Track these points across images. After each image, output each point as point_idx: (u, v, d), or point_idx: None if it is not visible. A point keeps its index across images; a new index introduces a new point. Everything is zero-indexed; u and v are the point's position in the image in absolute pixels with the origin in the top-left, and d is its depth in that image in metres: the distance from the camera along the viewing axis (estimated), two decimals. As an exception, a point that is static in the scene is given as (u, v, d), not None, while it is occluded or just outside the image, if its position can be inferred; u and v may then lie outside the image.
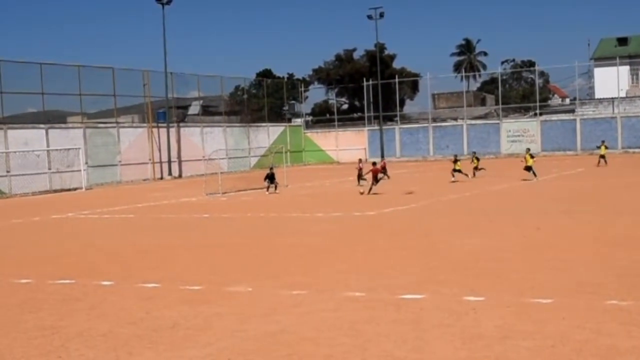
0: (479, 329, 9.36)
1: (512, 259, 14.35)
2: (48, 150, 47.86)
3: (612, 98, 66.92)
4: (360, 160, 38.67)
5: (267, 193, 34.92)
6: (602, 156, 46.55)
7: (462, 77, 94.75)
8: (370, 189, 31.90)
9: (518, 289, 11.53)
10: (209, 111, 71.25)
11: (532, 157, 36.36)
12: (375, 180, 32.55)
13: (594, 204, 24.43)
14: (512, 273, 12.87)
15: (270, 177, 35.65)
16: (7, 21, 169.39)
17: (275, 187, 35.74)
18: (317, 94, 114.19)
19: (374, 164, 34.24)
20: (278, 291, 12.23)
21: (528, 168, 35.55)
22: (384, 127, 72.84)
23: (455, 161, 37.37)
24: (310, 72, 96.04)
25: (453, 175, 37.40)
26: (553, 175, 39.50)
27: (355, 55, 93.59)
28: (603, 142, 49.70)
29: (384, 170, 39.39)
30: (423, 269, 13.66)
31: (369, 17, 70.99)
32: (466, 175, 36.92)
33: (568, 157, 59.48)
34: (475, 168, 39.26)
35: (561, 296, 10.89)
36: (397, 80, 74.40)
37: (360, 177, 36.26)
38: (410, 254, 15.67)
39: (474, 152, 44.43)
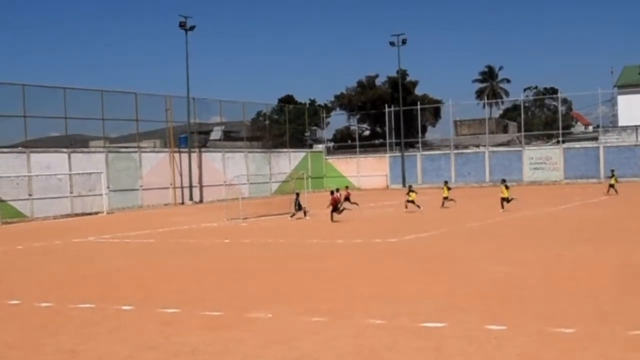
0: (501, 358, 9.25)
1: (534, 286, 14.21)
2: (70, 174, 48.22)
3: (636, 126, 66.45)
4: (338, 190, 36.93)
5: (290, 218, 34.91)
6: (612, 185, 46.27)
7: (484, 104, 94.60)
8: (332, 216, 32.28)
9: (540, 317, 11.40)
10: (230, 136, 71.58)
11: (507, 187, 35.83)
12: (336, 208, 32.65)
13: (616, 232, 24.18)
14: (534, 301, 12.74)
15: (296, 203, 35.74)
16: (31, 46, 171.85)
17: (305, 213, 35.69)
18: (338, 120, 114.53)
19: (332, 192, 34.36)
20: (298, 317, 12.17)
21: (505, 199, 35.10)
22: (406, 154, 72.72)
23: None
24: (332, 98, 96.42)
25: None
26: (576, 203, 39.21)
27: (377, 82, 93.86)
28: (612, 171, 49.46)
29: (347, 199, 39.31)
30: (444, 296, 13.55)
31: (392, 43, 71.17)
32: (418, 206, 36.06)
33: (591, 185, 59.03)
34: (445, 198, 38.73)
35: (584, 325, 10.75)
36: (419, 106, 74.39)
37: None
38: (431, 281, 15.57)
39: (446, 182, 43.49)
